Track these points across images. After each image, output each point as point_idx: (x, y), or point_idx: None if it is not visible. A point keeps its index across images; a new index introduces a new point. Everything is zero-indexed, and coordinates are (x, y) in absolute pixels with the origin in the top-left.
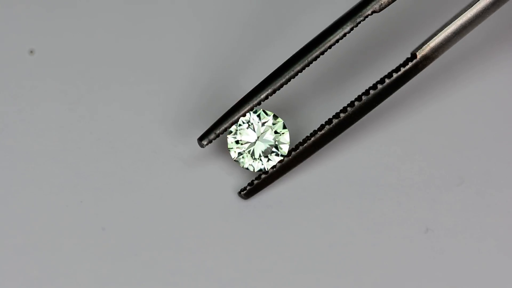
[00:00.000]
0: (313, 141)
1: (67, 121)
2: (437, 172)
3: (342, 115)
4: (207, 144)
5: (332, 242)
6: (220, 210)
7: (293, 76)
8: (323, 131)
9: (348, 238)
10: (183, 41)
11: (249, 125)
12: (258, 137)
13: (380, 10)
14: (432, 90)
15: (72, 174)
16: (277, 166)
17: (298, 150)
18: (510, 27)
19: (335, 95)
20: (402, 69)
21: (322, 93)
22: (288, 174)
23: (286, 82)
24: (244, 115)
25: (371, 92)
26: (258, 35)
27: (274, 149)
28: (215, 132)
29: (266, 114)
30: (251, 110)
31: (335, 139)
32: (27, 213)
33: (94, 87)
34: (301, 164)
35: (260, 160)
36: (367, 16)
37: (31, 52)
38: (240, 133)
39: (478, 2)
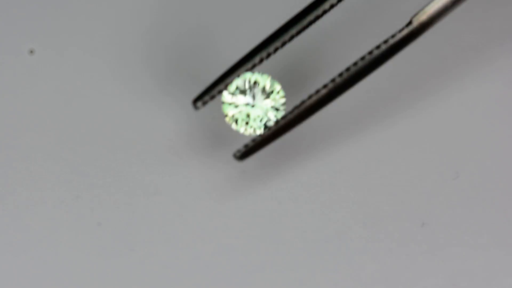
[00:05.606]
0: (309, 105)
1: (63, 116)
2: (433, 166)
3: (338, 79)
4: (201, 106)
5: (328, 236)
6: (218, 207)
7: (288, 40)
8: (318, 95)
9: (344, 232)
10: (183, 41)
11: (245, 90)
12: (254, 102)
13: None
14: (428, 85)
15: (67, 169)
16: (272, 129)
17: (293, 113)
18: (510, 27)
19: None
20: (398, 35)
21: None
22: (288, 174)
23: (281, 46)
24: (238, 76)
25: (367, 57)
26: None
27: (270, 114)
28: (210, 94)
29: (263, 78)
30: (248, 72)
31: (334, 133)
32: (21, 208)
33: (93, 86)
34: (301, 163)
35: (257, 125)
36: None
37: (31, 52)
38: (236, 98)
39: None
